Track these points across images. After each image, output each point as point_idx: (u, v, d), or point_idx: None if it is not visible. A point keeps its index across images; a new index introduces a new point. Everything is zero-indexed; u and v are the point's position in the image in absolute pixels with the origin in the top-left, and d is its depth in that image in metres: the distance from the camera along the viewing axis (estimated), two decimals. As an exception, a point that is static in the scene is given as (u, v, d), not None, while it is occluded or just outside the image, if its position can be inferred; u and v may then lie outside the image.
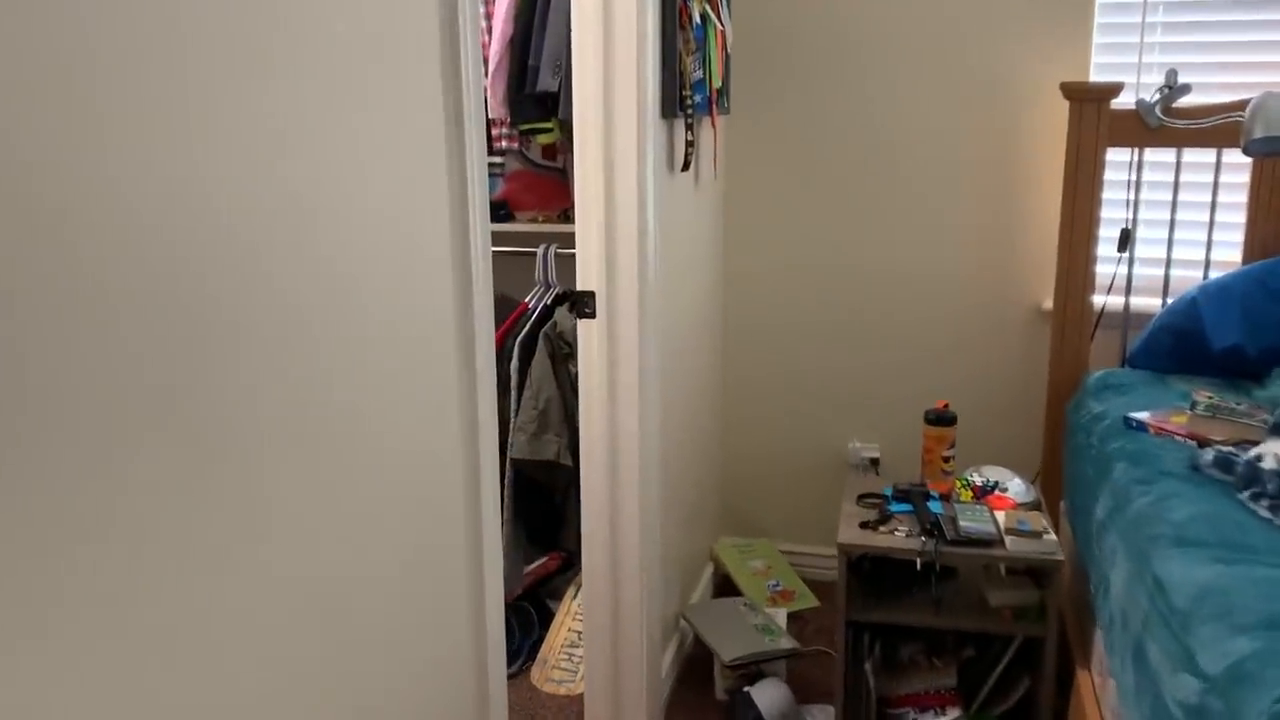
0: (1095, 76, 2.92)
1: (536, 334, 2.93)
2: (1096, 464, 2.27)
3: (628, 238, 2.37)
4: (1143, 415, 2.31)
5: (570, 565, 3.33)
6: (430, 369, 1.38)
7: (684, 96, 2.48)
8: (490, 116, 2.77)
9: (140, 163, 0.84)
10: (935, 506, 2.43)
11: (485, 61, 2.75)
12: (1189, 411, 2.30)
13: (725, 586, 3.28)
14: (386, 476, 1.28)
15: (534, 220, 3.21)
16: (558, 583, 3.30)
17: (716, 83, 2.71)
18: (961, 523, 2.30)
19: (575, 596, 3.07)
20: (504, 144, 2.80)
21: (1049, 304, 3.05)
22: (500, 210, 3.24)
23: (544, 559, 3.33)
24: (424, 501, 1.38)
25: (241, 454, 0.99)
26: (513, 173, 3.31)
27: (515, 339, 2.95)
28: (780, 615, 2.96)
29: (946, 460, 2.55)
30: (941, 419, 2.55)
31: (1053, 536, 2.25)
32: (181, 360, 0.90)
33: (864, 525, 2.38)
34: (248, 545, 1.01)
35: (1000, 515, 2.34)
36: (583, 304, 2.43)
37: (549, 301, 3.02)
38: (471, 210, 1.45)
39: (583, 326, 2.46)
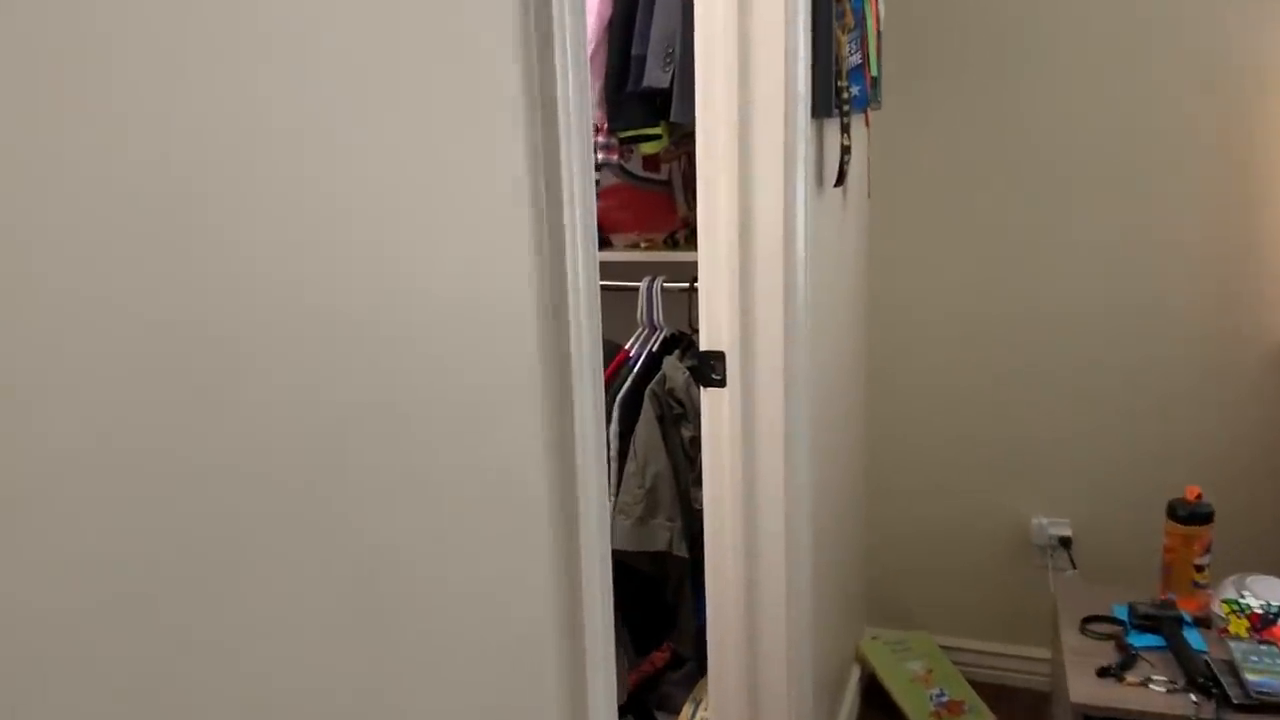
0: (1372, 47, 2.22)
1: (641, 390, 2.34)
2: None
3: (770, 281, 1.76)
4: None
5: (681, 662, 2.74)
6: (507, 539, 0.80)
7: (839, 88, 1.86)
8: (582, 121, 2.18)
9: None
10: (1195, 639, 1.77)
11: (575, 51, 2.17)
12: None
13: (873, 691, 2.66)
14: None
15: (634, 246, 2.62)
16: (667, 686, 2.71)
17: (875, 70, 2.09)
18: (1249, 676, 1.64)
19: (695, 716, 2.47)
20: (599, 156, 2.21)
21: (1302, 344, 2.35)
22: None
23: (650, 654, 2.75)
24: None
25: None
26: (608, 188, 2.73)
27: (615, 397, 2.37)
28: (955, 746, 2.33)
29: (1200, 569, 1.89)
30: (1194, 515, 1.89)
31: (1393, 704, 1.58)
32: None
33: (1103, 673, 1.74)
34: None
35: (1302, 663, 1.67)
36: (708, 368, 1.83)
37: (655, 348, 2.43)
38: (572, 291, 0.86)
39: (709, 397, 1.86)
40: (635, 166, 2.68)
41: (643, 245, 2.59)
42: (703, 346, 1.84)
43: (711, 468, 1.90)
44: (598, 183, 2.41)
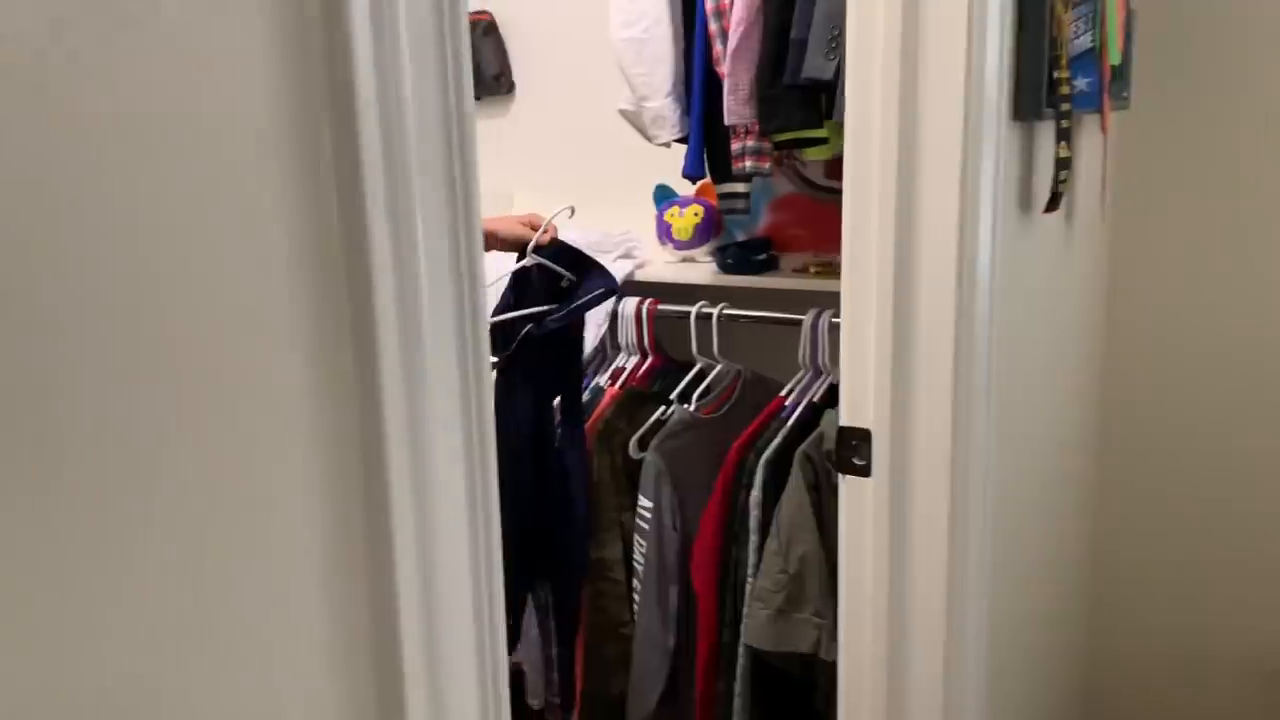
0: None
1: (792, 449, 1.92)
2: None
3: (936, 337, 1.31)
4: None
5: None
6: None
7: (1055, 81, 1.37)
8: (729, 124, 1.78)
9: None
10: None
11: (725, 35, 1.77)
12: None
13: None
14: None
15: (803, 270, 2.19)
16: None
17: (1114, 57, 1.56)
18: None
19: None
20: (748, 164, 1.80)
21: None
22: (760, 252, 2.25)
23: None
24: None
25: None
26: (782, 198, 2.33)
27: (759, 456, 1.95)
28: None
29: None
30: None
31: None
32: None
33: None
34: None
35: None
36: (849, 449, 1.39)
37: (816, 398, 2.00)
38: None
39: (847, 486, 1.42)
40: (815, 174, 2.26)
41: (813, 270, 2.16)
42: (842, 420, 1.40)
43: (849, 577, 1.46)
44: (747, 197, 1.99)
